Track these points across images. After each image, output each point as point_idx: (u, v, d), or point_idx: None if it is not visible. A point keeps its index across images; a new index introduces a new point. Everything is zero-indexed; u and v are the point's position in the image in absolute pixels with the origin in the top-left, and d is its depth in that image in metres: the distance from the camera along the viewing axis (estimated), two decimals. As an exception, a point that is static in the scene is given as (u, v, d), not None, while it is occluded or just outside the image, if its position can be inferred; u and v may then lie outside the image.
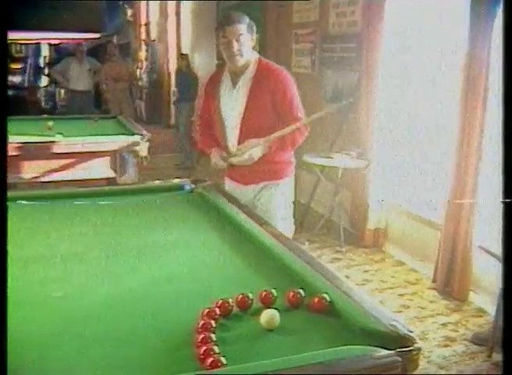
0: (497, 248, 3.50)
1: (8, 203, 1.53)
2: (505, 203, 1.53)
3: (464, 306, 4.04)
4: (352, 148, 5.20)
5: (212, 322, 1.61)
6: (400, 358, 1.43)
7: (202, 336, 1.53)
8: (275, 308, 1.67)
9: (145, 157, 5.18)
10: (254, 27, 3.07)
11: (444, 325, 3.78)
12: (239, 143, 3.07)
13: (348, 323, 1.62)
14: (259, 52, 3.22)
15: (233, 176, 3.27)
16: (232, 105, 3.10)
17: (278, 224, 2.97)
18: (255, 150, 3.00)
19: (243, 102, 3.06)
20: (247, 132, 3.05)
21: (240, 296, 1.75)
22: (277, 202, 3.20)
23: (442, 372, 3.25)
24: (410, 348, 1.47)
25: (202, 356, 1.45)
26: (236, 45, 2.98)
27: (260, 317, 1.64)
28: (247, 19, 3.04)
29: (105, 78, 9.65)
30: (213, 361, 1.41)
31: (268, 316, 1.64)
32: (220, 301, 1.71)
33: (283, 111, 3.05)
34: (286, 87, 3.07)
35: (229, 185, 3.31)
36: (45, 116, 8.16)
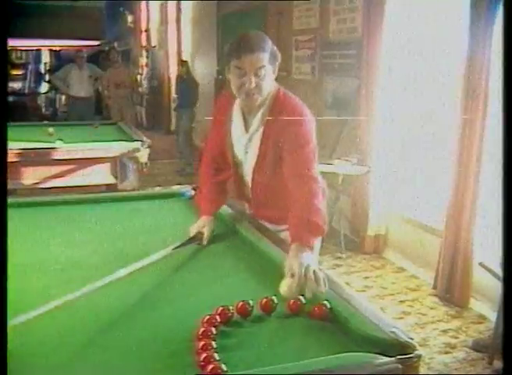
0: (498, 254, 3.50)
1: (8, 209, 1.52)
2: (505, 208, 1.52)
3: (465, 313, 4.03)
4: (352, 155, 5.20)
5: (213, 329, 1.61)
6: (400, 365, 1.43)
7: (202, 343, 1.53)
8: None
9: (145, 163, 5.19)
10: (279, 55, 2.38)
11: (445, 331, 3.77)
12: (252, 195, 2.60)
13: (348, 330, 1.62)
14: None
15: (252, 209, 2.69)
16: (248, 149, 2.52)
17: None
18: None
19: (255, 150, 2.47)
20: (260, 185, 2.54)
21: (241, 303, 1.75)
22: None
23: (443, 379, 3.25)
24: (411, 355, 1.46)
25: (202, 363, 1.44)
26: (254, 81, 2.28)
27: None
28: (269, 45, 2.33)
29: (107, 84, 9.69)
30: (213, 368, 1.41)
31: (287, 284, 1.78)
32: (220, 308, 1.71)
33: (290, 163, 2.34)
34: (298, 131, 2.35)
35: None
36: (46, 122, 8.18)
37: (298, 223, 2.12)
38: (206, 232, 2.45)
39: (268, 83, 2.36)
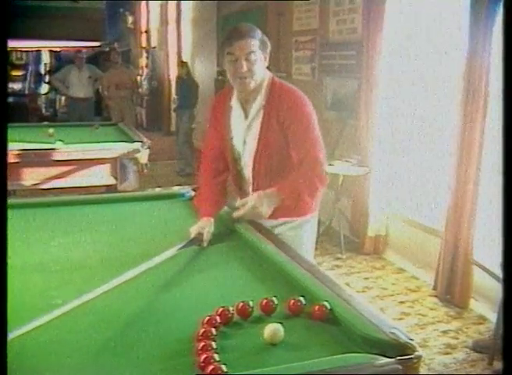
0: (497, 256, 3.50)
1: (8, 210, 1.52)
2: (505, 208, 1.52)
3: (465, 313, 4.03)
4: (352, 156, 5.21)
5: (213, 330, 1.61)
6: (400, 366, 1.43)
7: (202, 344, 1.53)
8: (279, 322, 1.65)
9: (145, 164, 5.19)
10: (268, 43, 2.57)
11: (445, 332, 3.77)
12: (253, 185, 2.66)
13: (348, 330, 1.62)
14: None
15: None
16: (246, 139, 2.63)
17: None
18: (260, 205, 2.44)
19: (256, 136, 2.59)
20: (262, 173, 2.62)
21: (241, 304, 1.75)
22: (298, 243, 2.62)
23: (443, 379, 3.25)
24: (411, 356, 1.46)
25: (203, 364, 1.44)
26: (245, 65, 2.46)
27: (264, 331, 1.61)
28: (259, 33, 2.53)
29: (108, 85, 9.67)
30: (213, 369, 1.41)
31: (272, 330, 1.61)
32: (220, 309, 1.71)
33: (297, 146, 2.53)
34: (301, 114, 2.56)
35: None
36: (46, 123, 8.19)
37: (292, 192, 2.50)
38: (206, 233, 2.44)
39: (260, 69, 2.53)
